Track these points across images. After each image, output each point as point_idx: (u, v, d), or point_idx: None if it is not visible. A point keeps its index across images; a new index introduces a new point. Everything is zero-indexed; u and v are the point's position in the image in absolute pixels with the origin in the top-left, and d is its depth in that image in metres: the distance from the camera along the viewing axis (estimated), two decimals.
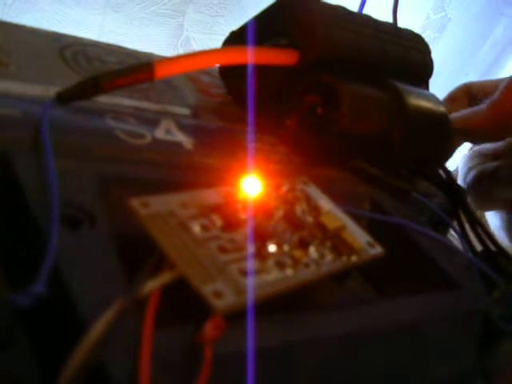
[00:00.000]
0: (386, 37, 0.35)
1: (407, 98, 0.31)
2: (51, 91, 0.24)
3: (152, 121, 0.27)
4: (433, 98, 0.34)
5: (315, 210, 0.23)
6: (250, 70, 0.27)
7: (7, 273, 0.17)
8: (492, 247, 0.31)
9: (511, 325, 0.26)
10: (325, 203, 0.24)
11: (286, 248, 0.20)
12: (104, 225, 0.19)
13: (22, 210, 0.19)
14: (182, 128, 0.27)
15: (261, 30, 0.31)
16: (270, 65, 0.29)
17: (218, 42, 0.33)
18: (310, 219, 0.22)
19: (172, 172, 0.24)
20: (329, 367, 0.20)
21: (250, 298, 0.17)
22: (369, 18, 0.34)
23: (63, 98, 0.22)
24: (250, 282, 0.18)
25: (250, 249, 0.19)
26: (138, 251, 0.18)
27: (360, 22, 0.33)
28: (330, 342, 0.20)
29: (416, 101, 0.32)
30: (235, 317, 0.17)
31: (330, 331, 0.20)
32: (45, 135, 0.20)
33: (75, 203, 0.19)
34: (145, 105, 0.28)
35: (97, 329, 0.15)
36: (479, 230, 0.31)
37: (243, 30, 0.32)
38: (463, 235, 0.32)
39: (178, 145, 0.26)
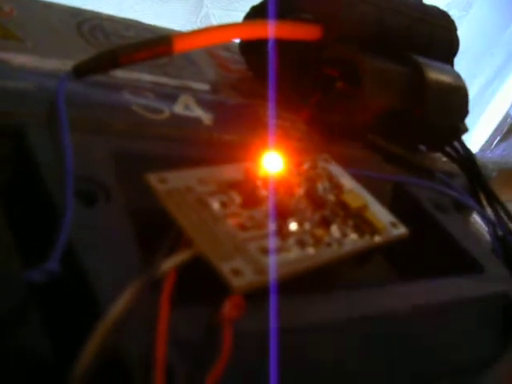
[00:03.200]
0: (411, 13, 0.34)
1: (428, 72, 0.30)
2: (68, 65, 0.23)
3: (170, 96, 0.26)
4: (454, 74, 0.32)
5: (337, 188, 0.22)
6: (271, 45, 0.26)
7: (22, 249, 0.17)
8: None
9: None
10: (347, 181, 0.23)
11: (307, 226, 0.19)
12: (119, 200, 0.18)
13: (36, 185, 0.18)
14: (201, 103, 0.26)
15: (282, 4, 0.30)
16: (293, 39, 0.28)
17: (238, 19, 0.33)
18: (331, 197, 0.22)
19: (190, 148, 0.23)
20: (350, 349, 0.20)
21: (272, 276, 0.17)
22: None
23: (79, 72, 0.21)
24: (272, 260, 0.17)
25: (271, 227, 0.18)
26: (155, 228, 0.18)
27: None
28: (352, 324, 0.20)
29: (437, 76, 0.31)
30: (254, 296, 0.16)
31: (352, 313, 0.20)
32: (60, 109, 0.19)
33: (90, 178, 0.19)
34: (163, 80, 0.27)
35: (114, 311, 0.14)
36: (500, 211, 0.30)
37: (264, 4, 0.31)
38: (486, 217, 0.31)
39: (197, 120, 0.25)
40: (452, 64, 0.38)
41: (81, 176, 0.18)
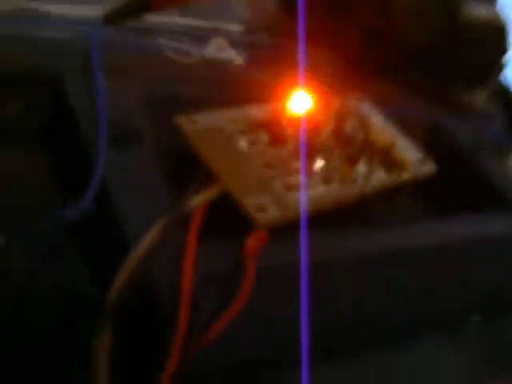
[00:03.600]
0: None
1: (463, 9, 0.29)
2: (99, 11, 0.24)
3: (204, 39, 0.26)
4: (492, 11, 0.31)
5: (366, 126, 0.22)
6: None
7: (60, 188, 0.18)
8: None
9: None
10: (377, 120, 0.23)
11: (333, 164, 0.20)
12: (150, 144, 0.19)
13: (71, 130, 0.19)
14: (234, 45, 0.27)
15: None
16: None
17: None
18: (359, 135, 0.22)
19: (221, 89, 0.23)
20: (377, 283, 0.21)
21: (300, 211, 0.18)
22: None
23: (111, 19, 0.22)
24: (303, 196, 0.18)
25: (297, 164, 0.19)
26: (186, 168, 0.19)
27: None
28: (381, 259, 0.20)
29: (472, 13, 0.30)
30: (279, 230, 0.17)
31: (381, 248, 0.20)
32: (94, 57, 0.20)
33: (122, 123, 0.20)
34: (197, 23, 0.28)
35: (142, 246, 0.15)
36: None
37: None
38: None
39: (229, 61, 0.25)
40: None
41: (113, 122, 0.19)
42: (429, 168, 0.22)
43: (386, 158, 0.21)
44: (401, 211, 0.24)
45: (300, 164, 0.19)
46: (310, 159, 0.20)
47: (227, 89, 0.24)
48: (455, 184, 0.27)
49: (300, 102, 0.21)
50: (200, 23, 0.28)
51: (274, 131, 0.20)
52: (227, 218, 0.17)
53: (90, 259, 0.17)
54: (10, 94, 0.21)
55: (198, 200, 0.17)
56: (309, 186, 0.19)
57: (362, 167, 0.20)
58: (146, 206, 0.17)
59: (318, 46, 0.29)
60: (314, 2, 0.28)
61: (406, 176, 0.21)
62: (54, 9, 0.24)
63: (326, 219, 0.19)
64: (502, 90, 0.33)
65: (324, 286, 0.18)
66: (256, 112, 0.21)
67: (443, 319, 0.24)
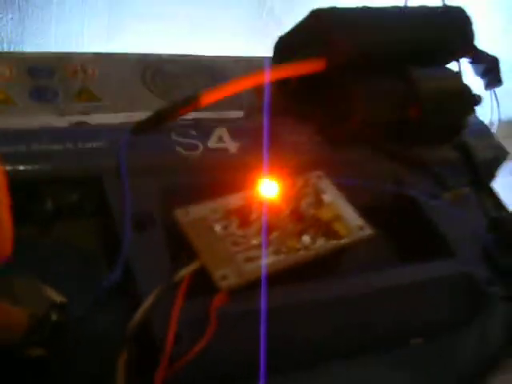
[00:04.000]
0: (416, 24, 0.39)
1: (422, 85, 0.36)
2: (134, 117, 0.33)
3: (208, 130, 0.35)
4: (451, 78, 0.38)
5: (318, 203, 0.31)
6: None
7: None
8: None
9: (496, 288, 0.32)
10: (329, 196, 0.31)
11: (284, 238, 0.28)
12: (161, 226, 0.28)
13: (111, 217, 0.29)
14: (233, 133, 0.35)
15: (297, 39, 0.37)
16: (304, 74, 0.35)
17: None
18: (311, 212, 0.30)
19: (216, 176, 0.32)
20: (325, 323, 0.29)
21: (254, 278, 0.26)
22: (397, 11, 0.39)
23: (137, 131, 0.31)
24: (259, 266, 0.27)
25: (255, 241, 0.28)
26: (182, 247, 0.28)
27: (386, 18, 0.37)
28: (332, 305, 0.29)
29: (431, 85, 0.37)
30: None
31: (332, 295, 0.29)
32: (122, 164, 0.30)
33: (142, 212, 0.29)
34: (204, 114, 0.36)
35: (146, 304, 0.25)
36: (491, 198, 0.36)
37: (288, 35, 0.38)
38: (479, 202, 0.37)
39: (225, 150, 0.34)
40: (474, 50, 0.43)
41: (136, 211, 0.29)
42: (366, 233, 0.30)
43: (329, 229, 0.29)
44: (356, 260, 0.32)
45: (257, 240, 0.28)
46: (268, 235, 0.28)
47: (222, 176, 0.32)
48: (410, 233, 0.35)
49: (266, 189, 0.30)
50: (208, 115, 0.36)
51: (243, 216, 0.28)
52: (204, 284, 0.26)
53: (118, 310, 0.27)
54: (69, 187, 0.30)
55: (185, 271, 0.26)
56: (262, 258, 0.27)
57: (306, 239, 0.29)
58: (155, 274, 0.26)
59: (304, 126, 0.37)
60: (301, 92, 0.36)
61: (344, 242, 0.29)
62: (98, 119, 0.34)
63: (288, 275, 0.28)
64: (464, 143, 0.40)
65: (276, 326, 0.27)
66: (231, 201, 0.29)
67: (390, 342, 0.32)
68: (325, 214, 0.30)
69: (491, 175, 0.45)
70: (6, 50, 0.50)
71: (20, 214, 0.29)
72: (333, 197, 0.31)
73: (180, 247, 0.28)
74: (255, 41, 0.63)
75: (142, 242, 0.28)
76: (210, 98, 0.32)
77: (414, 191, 0.36)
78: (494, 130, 0.64)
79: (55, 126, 0.33)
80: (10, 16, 0.48)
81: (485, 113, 0.49)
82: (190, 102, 0.32)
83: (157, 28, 0.56)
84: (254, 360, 0.25)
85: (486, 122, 0.49)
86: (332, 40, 0.35)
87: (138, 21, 0.55)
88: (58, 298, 0.27)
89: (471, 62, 0.49)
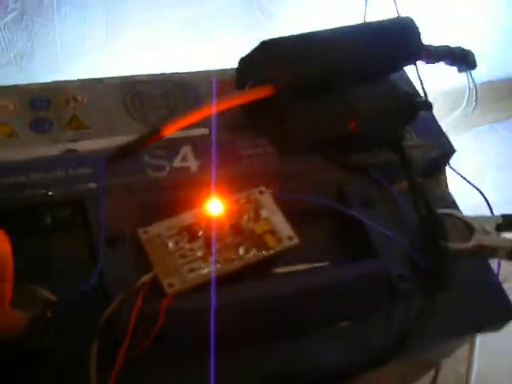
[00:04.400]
0: (361, 43, 0.44)
1: (357, 106, 0.42)
2: (116, 142, 0.41)
3: (175, 149, 0.42)
4: (387, 94, 0.43)
5: (256, 217, 0.38)
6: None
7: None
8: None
9: (408, 284, 0.39)
10: (265, 211, 0.38)
11: (223, 250, 0.36)
12: (128, 242, 0.37)
13: (89, 233, 0.37)
14: (196, 151, 0.42)
15: (251, 65, 0.44)
16: (255, 100, 0.42)
17: None
18: (250, 225, 0.37)
19: (178, 194, 0.40)
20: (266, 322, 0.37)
21: (195, 285, 0.34)
22: (342, 32, 0.44)
23: (112, 160, 0.39)
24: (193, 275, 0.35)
25: (199, 254, 0.35)
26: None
27: (329, 43, 0.43)
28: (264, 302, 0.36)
29: (367, 106, 0.42)
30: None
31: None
32: (100, 191, 0.38)
33: (114, 228, 0.37)
34: (174, 135, 0.43)
35: (113, 305, 0.33)
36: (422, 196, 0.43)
37: (246, 58, 0.44)
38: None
39: (187, 169, 0.41)
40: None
41: (109, 229, 0.37)
42: (294, 243, 0.37)
43: (261, 241, 0.37)
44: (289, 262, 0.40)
45: (201, 253, 0.35)
46: (210, 248, 0.36)
47: (183, 194, 0.40)
48: (340, 236, 0.42)
49: (212, 207, 0.37)
50: (176, 135, 0.43)
51: (191, 232, 0.36)
52: (158, 290, 0.34)
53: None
54: (61, 208, 0.39)
55: (143, 280, 0.34)
56: (202, 268, 0.35)
57: (241, 250, 0.36)
58: (122, 281, 0.35)
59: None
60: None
61: (272, 253, 0.37)
62: (86, 146, 0.41)
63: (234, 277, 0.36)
64: (399, 146, 0.45)
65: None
66: (184, 218, 0.37)
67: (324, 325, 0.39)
68: (260, 228, 0.37)
69: (439, 171, 0.51)
70: (18, 62, 0.58)
71: (24, 228, 0.38)
72: (269, 211, 0.39)
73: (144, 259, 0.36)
74: (244, 31, 0.68)
75: (113, 255, 0.36)
76: (169, 129, 0.40)
77: (349, 199, 0.42)
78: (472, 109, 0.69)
79: (49, 154, 0.41)
80: (19, 34, 0.55)
81: None
82: (154, 135, 0.39)
83: (148, 30, 0.62)
84: (201, 344, 0.34)
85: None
86: (277, 69, 0.41)
87: (132, 26, 0.61)
88: (51, 297, 0.35)
89: (428, 62, 0.53)
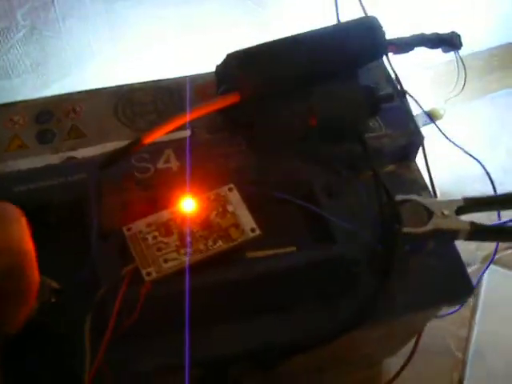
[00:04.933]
0: (322, 47, 0.48)
1: (317, 104, 0.47)
2: (108, 148, 0.48)
3: (159, 152, 0.49)
4: (347, 91, 0.48)
5: (224, 212, 0.44)
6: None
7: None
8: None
9: (361, 267, 0.44)
10: (234, 205, 0.44)
11: (194, 242, 0.42)
12: (118, 236, 0.43)
13: (86, 230, 0.44)
14: (177, 152, 0.49)
15: (222, 73, 0.49)
16: (224, 107, 0.47)
17: None
18: (217, 220, 0.44)
19: (160, 192, 0.46)
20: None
21: (170, 273, 0.41)
22: (303, 38, 0.48)
23: (102, 166, 0.46)
24: (169, 266, 0.41)
25: (172, 247, 0.42)
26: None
27: (288, 50, 0.47)
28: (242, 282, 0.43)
29: (326, 103, 0.47)
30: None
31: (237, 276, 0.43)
32: (91, 193, 0.45)
33: (105, 226, 0.44)
34: (158, 139, 0.49)
35: (103, 289, 0.40)
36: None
37: (220, 67, 0.50)
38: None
39: (169, 170, 0.48)
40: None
41: (99, 224, 0.44)
42: (256, 234, 0.43)
43: (226, 234, 0.43)
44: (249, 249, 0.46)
45: (175, 246, 0.42)
46: (183, 241, 0.42)
47: (165, 193, 0.46)
48: (302, 223, 0.48)
49: (186, 205, 0.44)
50: (161, 139, 0.49)
51: (167, 228, 0.43)
52: (139, 278, 0.41)
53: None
54: (64, 208, 0.46)
55: (126, 270, 0.41)
56: (175, 258, 0.42)
57: (209, 242, 0.42)
58: (110, 271, 0.42)
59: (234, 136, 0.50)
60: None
61: (236, 243, 0.43)
62: (83, 153, 0.48)
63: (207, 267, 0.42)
64: (360, 137, 0.50)
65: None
66: (163, 216, 0.43)
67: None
68: (225, 222, 0.43)
69: (408, 158, 0.55)
70: (34, 69, 0.65)
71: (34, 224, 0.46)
72: (235, 206, 0.44)
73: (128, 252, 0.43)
74: (239, 22, 0.72)
75: (104, 250, 0.43)
76: (149, 138, 0.46)
77: (313, 191, 0.48)
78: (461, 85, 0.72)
79: (52, 163, 0.48)
80: (32, 46, 0.62)
81: None
82: (135, 144, 0.45)
83: (148, 28, 0.68)
84: (175, 322, 0.41)
85: None
86: (240, 79, 0.46)
87: (133, 27, 0.67)
88: (55, 285, 0.43)
89: (398, 53, 0.57)
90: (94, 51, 0.67)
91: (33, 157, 0.48)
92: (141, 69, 0.70)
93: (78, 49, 0.65)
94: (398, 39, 0.55)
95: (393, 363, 0.75)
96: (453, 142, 0.71)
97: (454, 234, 0.49)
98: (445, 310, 0.76)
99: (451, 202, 0.50)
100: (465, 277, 0.50)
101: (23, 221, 0.32)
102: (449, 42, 0.62)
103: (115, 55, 0.68)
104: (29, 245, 0.32)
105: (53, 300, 0.43)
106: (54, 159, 0.48)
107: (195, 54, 0.71)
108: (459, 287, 0.49)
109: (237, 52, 0.47)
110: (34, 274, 0.33)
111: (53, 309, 0.42)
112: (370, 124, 0.53)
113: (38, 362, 0.41)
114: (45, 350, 0.42)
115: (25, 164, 0.48)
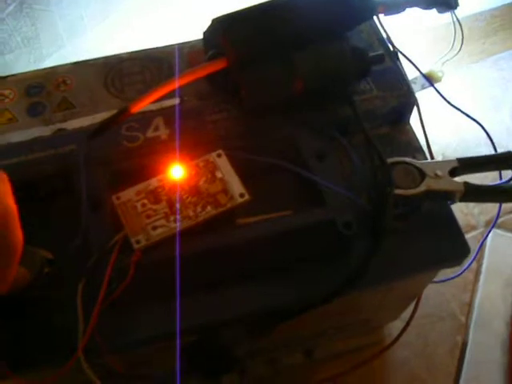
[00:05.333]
0: (309, 10, 0.47)
1: (300, 66, 0.46)
2: (97, 118, 0.48)
3: (148, 121, 0.48)
4: (332, 54, 0.47)
5: (212, 179, 0.44)
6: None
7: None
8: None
9: (352, 230, 0.44)
10: (222, 172, 0.44)
11: (183, 209, 0.42)
12: (107, 206, 0.44)
13: (76, 201, 0.45)
14: (166, 120, 0.48)
15: (209, 38, 0.48)
16: (213, 72, 0.47)
17: None
18: (206, 186, 0.44)
19: (150, 161, 0.46)
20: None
21: (159, 240, 0.41)
22: (290, 1, 0.47)
23: (91, 137, 0.46)
24: (157, 232, 0.42)
25: (161, 214, 0.42)
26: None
27: (274, 13, 0.46)
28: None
29: (312, 66, 0.46)
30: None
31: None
32: (79, 163, 0.45)
33: (94, 195, 0.44)
34: (147, 108, 0.49)
35: (94, 257, 0.41)
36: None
37: (206, 33, 0.49)
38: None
39: (158, 138, 0.48)
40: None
41: (89, 194, 0.44)
42: (245, 199, 0.43)
43: (215, 200, 0.43)
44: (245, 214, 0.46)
45: (164, 213, 0.42)
46: (172, 208, 0.42)
47: (154, 161, 0.46)
48: (293, 188, 0.47)
49: (174, 172, 0.44)
50: (150, 107, 0.49)
51: (156, 195, 0.43)
52: (128, 246, 0.42)
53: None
54: (54, 180, 0.46)
55: (116, 238, 0.42)
56: (164, 225, 0.42)
57: (198, 208, 0.42)
58: (101, 239, 0.42)
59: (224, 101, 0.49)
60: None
61: (224, 208, 0.43)
62: (72, 125, 0.48)
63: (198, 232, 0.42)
64: (349, 100, 0.49)
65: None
66: (152, 183, 0.44)
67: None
68: (214, 188, 0.43)
69: (402, 120, 0.54)
70: (26, 44, 0.65)
71: (25, 197, 0.46)
72: (224, 173, 0.44)
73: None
74: None
75: (94, 219, 0.43)
76: (137, 107, 0.45)
77: (303, 154, 0.47)
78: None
79: (43, 135, 0.48)
80: (22, 21, 0.62)
81: None
82: (123, 113, 0.45)
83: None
84: (167, 289, 0.41)
85: None
86: (227, 44, 0.46)
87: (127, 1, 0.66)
88: (48, 255, 0.44)
89: (389, 15, 0.56)
90: (86, 24, 0.66)
91: (23, 130, 0.48)
92: (133, 39, 0.70)
93: (69, 22, 0.65)
94: None
95: (395, 328, 0.75)
96: (452, 105, 0.69)
97: (447, 195, 0.48)
98: (448, 275, 0.77)
99: (445, 162, 0.50)
100: (461, 239, 0.49)
101: (6, 180, 0.32)
102: (443, 1, 0.61)
103: (107, 27, 0.68)
104: (12, 203, 0.32)
105: (46, 270, 0.43)
106: (44, 131, 0.48)
107: (184, 22, 0.70)
108: (456, 249, 0.49)
109: (222, 16, 0.46)
110: (18, 234, 0.33)
111: (47, 279, 0.43)
112: (362, 86, 0.52)
113: (32, 329, 0.42)
114: (39, 318, 0.42)
115: (15, 137, 0.48)
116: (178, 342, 0.42)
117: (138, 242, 0.41)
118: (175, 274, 0.41)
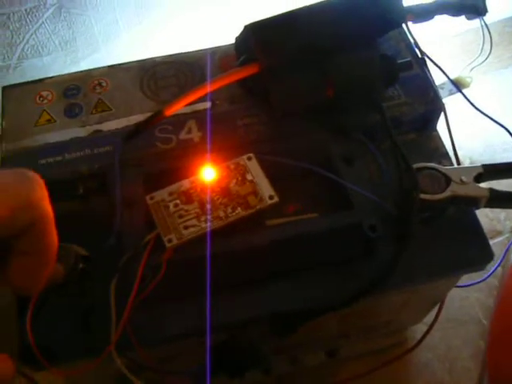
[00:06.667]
0: (338, 17, 0.48)
1: (331, 73, 0.47)
2: (132, 120, 0.50)
3: (181, 123, 0.50)
4: (363, 61, 0.48)
5: (243, 181, 0.45)
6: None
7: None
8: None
9: (378, 233, 0.45)
10: (253, 174, 0.45)
11: (214, 210, 0.44)
12: (141, 205, 0.45)
13: (111, 200, 0.46)
14: (199, 123, 0.50)
15: (241, 44, 0.50)
16: (245, 77, 0.48)
17: None
18: (236, 188, 0.45)
19: (182, 162, 0.48)
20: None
21: (191, 239, 0.43)
22: (320, 8, 0.48)
23: (126, 139, 0.48)
24: (189, 232, 0.43)
25: (193, 214, 0.44)
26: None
27: (305, 20, 0.47)
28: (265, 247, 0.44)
29: (342, 73, 0.47)
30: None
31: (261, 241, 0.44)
32: (115, 165, 0.46)
33: (128, 196, 0.46)
34: (181, 111, 0.51)
35: (128, 254, 0.43)
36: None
37: (238, 39, 0.50)
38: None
39: (191, 140, 0.49)
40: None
41: (123, 194, 0.46)
42: (274, 201, 0.44)
43: (245, 201, 0.44)
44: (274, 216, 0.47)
45: (196, 213, 0.44)
46: (203, 208, 0.44)
47: (187, 163, 0.48)
48: (323, 191, 0.48)
49: (206, 174, 0.45)
50: (183, 110, 0.51)
51: (188, 196, 0.44)
52: (161, 244, 0.43)
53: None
54: (91, 179, 0.48)
55: (149, 237, 0.43)
56: (195, 225, 0.43)
57: (228, 209, 0.44)
58: (134, 237, 0.44)
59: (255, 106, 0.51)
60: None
61: (254, 210, 0.44)
62: (108, 127, 0.50)
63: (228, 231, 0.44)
64: (378, 107, 0.50)
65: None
66: (184, 185, 0.45)
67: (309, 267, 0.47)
68: (244, 190, 0.45)
69: (429, 127, 0.55)
70: (63, 47, 0.67)
71: (62, 196, 0.48)
72: (254, 175, 0.46)
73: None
74: None
75: (128, 218, 0.45)
76: (171, 110, 0.47)
77: (332, 159, 0.48)
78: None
79: (79, 136, 0.50)
80: (60, 24, 0.64)
81: None
82: (157, 116, 0.47)
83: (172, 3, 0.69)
84: (197, 286, 0.43)
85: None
86: (259, 50, 0.47)
87: (160, 1, 0.68)
88: (83, 252, 0.46)
89: (416, 22, 0.56)
90: (121, 27, 0.68)
91: (61, 130, 0.51)
92: (166, 44, 0.72)
93: (104, 26, 0.67)
94: (416, 6, 0.54)
95: (419, 331, 0.76)
96: (479, 110, 0.70)
97: (472, 201, 0.49)
98: (473, 279, 0.77)
99: (470, 168, 0.50)
100: (485, 243, 0.50)
101: (43, 185, 0.33)
102: (472, 8, 0.61)
103: (142, 30, 0.70)
104: (48, 207, 0.33)
105: (81, 266, 0.45)
106: (80, 132, 0.50)
107: (217, 26, 0.72)
108: (479, 254, 0.50)
109: (255, 22, 0.48)
110: (54, 234, 0.34)
111: (83, 276, 0.45)
112: (390, 93, 0.53)
113: (65, 325, 0.44)
114: (73, 314, 0.44)
115: (53, 138, 0.50)
116: (207, 339, 0.43)
117: (169, 240, 0.43)
118: (205, 272, 0.43)
